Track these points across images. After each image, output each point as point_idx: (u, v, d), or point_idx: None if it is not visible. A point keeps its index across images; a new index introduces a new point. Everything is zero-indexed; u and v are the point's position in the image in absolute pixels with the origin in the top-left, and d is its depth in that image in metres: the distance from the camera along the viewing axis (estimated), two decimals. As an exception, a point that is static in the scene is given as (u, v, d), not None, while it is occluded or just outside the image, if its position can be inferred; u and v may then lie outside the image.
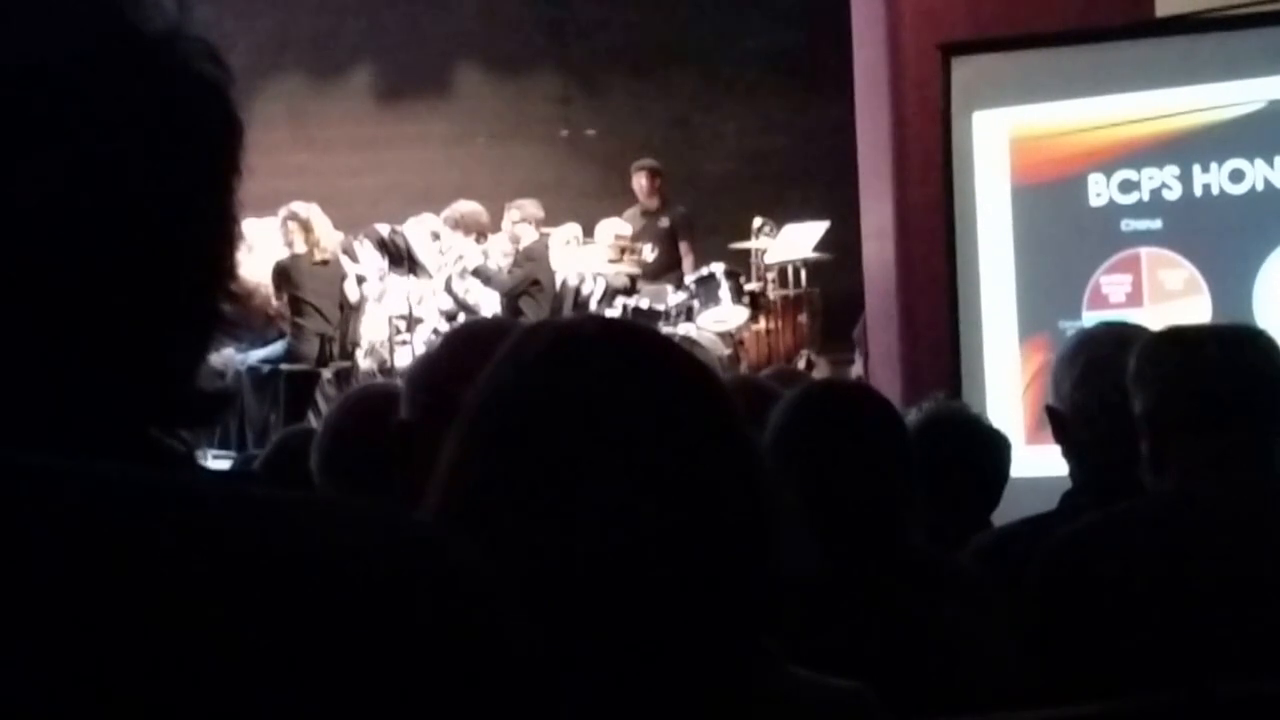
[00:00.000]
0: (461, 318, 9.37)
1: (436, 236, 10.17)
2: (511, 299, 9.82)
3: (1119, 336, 2.68)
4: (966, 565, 2.43)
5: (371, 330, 9.82)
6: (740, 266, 10.27)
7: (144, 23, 0.86)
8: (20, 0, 0.83)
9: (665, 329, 9.46)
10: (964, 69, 5.73)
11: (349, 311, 9.73)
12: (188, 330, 0.87)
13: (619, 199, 11.14)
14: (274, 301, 9.27)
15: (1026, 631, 2.25)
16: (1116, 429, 2.43)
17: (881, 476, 2.13)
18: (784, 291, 10.35)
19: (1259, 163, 5.33)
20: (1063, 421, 2.74)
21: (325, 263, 9.48)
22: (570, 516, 1.17)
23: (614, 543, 1.17)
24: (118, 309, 0.82)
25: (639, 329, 1.42)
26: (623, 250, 10.36)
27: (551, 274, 10.24)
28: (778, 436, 2.11)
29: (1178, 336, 2.42)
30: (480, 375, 1.24)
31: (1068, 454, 2.77)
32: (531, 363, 1.24)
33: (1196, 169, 5.39)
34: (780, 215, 10.60)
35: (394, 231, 9.96)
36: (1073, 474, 2.78)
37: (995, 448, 3.27)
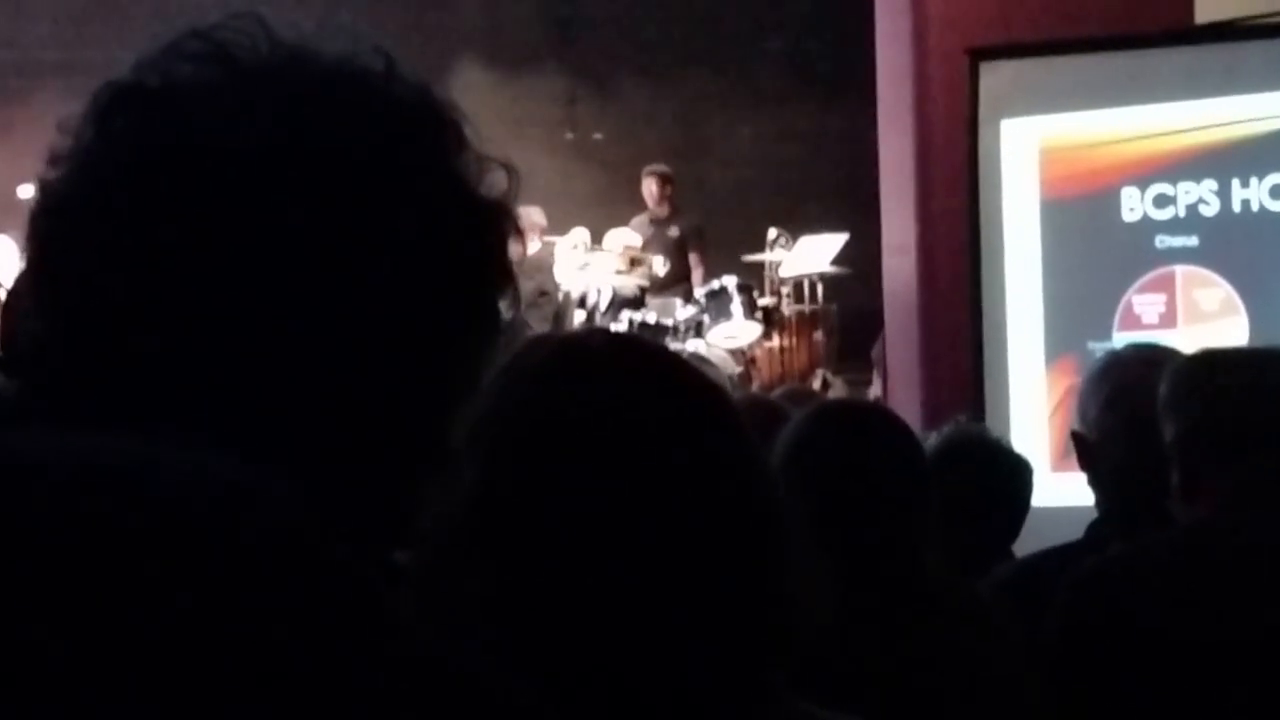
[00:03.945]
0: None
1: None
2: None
3: (1148, 359, 2.69)
4: (986, 596, 2.44)
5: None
6: (753, 280, 10.27)
7: (470, 176, 0.94)
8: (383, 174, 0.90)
9: (673, 345, 9.46)
10: (993, 75, 5.75)
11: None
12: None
13: (626, 206, 11.15)
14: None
15: (1048, 667, 2.25)
16: (1145, 456, 2.44)
17: (896, 501, 2.13)
18: (799, 307, 10.35)
19: (1301, 178, 5.36)
20: (1089, 448, 2.75)
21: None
22: (569, 535, 1.18)
23: (614, 565, 1.18)
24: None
25: (646, 344, 1.42)
26: (632, 261, 10.36)
27: (555, 285, 10.24)
28: (787, 458, 2.12)
29: (1211, 360, 2.43)
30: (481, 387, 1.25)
31: (1094, 482, 2.78)
32: (533, 375, 1.25)
33: (1235, 184, 5.40)
34: (796, 226, 10.60)
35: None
36: (1099, 503, 2.79)
37: (1017, 474, 3.28)
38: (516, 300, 0.97)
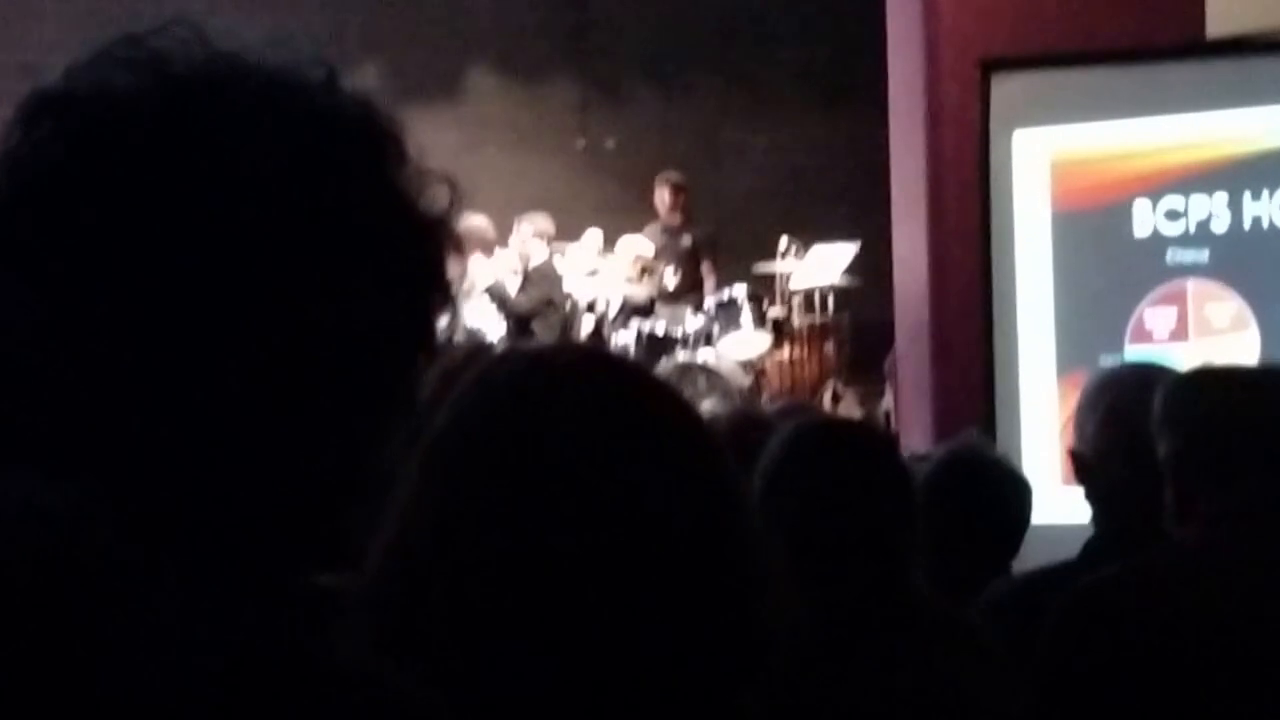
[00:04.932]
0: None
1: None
2: (522, 321, 9.81)
3: (1144, 377, 2.69)
4: (974, 617, 2.43)
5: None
6: (764, 290, 10.26)
7: (410, 190, 0.94)
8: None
9: (682, 355, 9.46)
10: (1005, 86, 5.75)
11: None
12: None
13: (637, 215, 11.14)
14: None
15: (1040, 687, 2.26)
16: (1141, 475, 2.45)
17: (878, 522, 2.10)
18: (810, 318, 10.32)
19: (1313, 192, 5.35)
20: (1086, 466, 2.76)
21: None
22: (531, 557, 1.17)
23: (576, 589, 1.18)
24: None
25: (622, 362, 1.42)
26: (643, 270, 10.36)
27: (562, 293, 10.23)
28: (767, 477, 2.12)
29: (1205, 378, 2.44)
30: (446, 401, 1.25)
31: (1091, 500, 2.79)
32: (500, 391, 1.25)
33: (1247, 197, 5.40)
34: (808, 235, 10.58)
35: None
36: (1096, 521, 2.80)
37: (1015, 491, 3.28)
38: (454, 315, 0.98)
